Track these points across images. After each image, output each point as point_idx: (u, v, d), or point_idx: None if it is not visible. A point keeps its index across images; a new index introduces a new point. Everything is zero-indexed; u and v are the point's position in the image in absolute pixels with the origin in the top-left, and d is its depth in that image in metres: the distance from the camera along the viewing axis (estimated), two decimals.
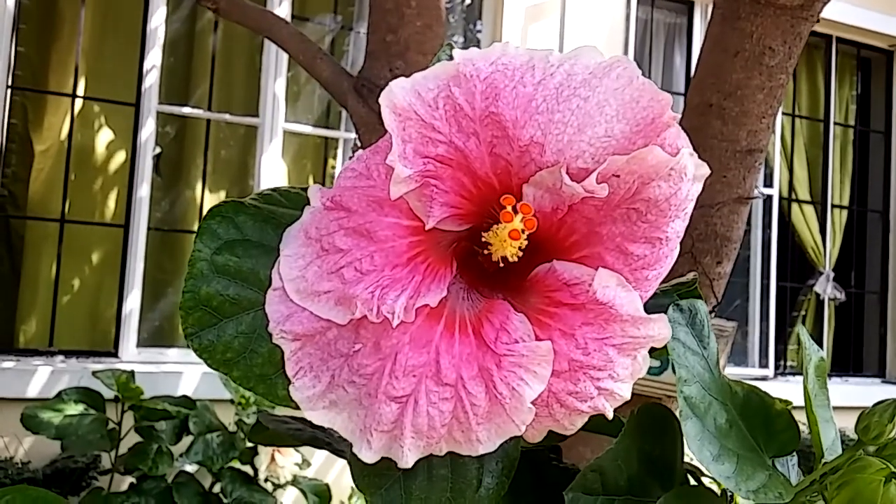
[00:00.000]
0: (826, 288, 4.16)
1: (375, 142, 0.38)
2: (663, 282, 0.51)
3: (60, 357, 2.79)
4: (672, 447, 0.47)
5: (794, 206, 4.14)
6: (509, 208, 0.34)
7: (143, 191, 2.89)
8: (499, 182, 0.36)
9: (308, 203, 0.40)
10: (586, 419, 0.40)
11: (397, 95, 0.36)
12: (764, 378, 3.85)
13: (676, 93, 3.90)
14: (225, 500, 2.33)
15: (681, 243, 1.12)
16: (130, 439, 2.29)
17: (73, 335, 2.94)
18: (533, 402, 0.37)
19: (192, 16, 3.14)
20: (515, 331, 0.37)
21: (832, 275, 4.16)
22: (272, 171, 3.07)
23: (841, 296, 4.20)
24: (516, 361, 0.36)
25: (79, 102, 2.96)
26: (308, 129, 3.23)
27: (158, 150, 3.04)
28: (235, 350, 0.38)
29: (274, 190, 0.43)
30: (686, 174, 0.34)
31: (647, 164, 0.33)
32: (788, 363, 4.14)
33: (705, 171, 0.34)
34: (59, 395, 2.24)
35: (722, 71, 1.10)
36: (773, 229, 3.99)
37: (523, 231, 0.34)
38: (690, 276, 0.50)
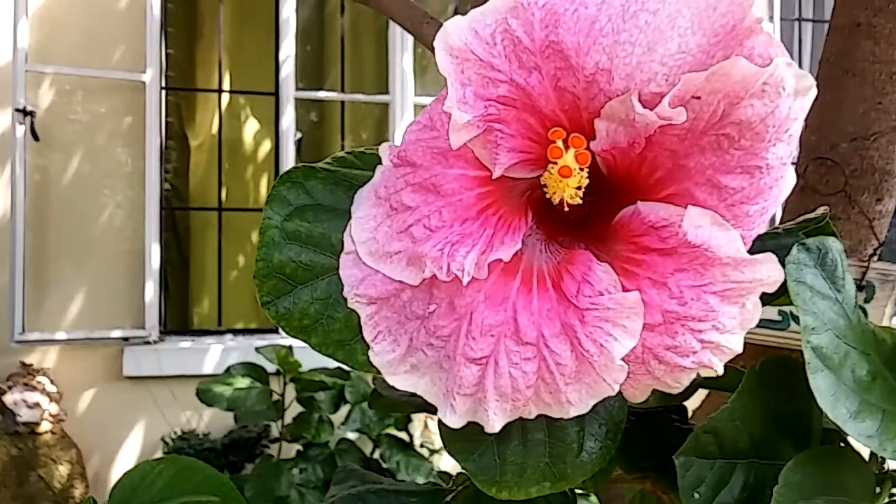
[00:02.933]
0: None
1: None
2: (789, 220, 0.45)
3: (229, 335, 3.00)
4: (808, 402, 0.42)
5: None
6: (559, 142, 0.31)
7: None
8: (568, 119, 0.33)
9: (380, 162, 0.38)
10: (693, 376, 0.36)
11: (452, 35, 0.33)
12: None
13: (806, 19, 3.56)
14: (385, 465, 2.42)
15: (829, 182, 1.01)
16: (294, 409, 2.43)
17: (238, 314, 3.15)
18: (625, 360, 0.34)
19: (319, 2, 3.22)
20: (599, 282, 0.34)
21: None
22: None
23: None
24: (602, 315, 0.33)
25: (225, 97, 3.13)
26: None
27: (299, 135, 3.16)
28: (312, 316, 0.37)
29: (349, 152, 0.42)
30: (784, 88, 0.29)
31: (731, 80, 0.28)
32: None
33: (809, 82, 0.29)
34: (227, 370, 2.41)
35: None
36: None
37: (581, 168, 0.31)
38: (820, 210, 0.44)
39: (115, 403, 2.82)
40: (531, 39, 0.32)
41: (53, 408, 2.67)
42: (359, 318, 0.37)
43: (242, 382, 2.33)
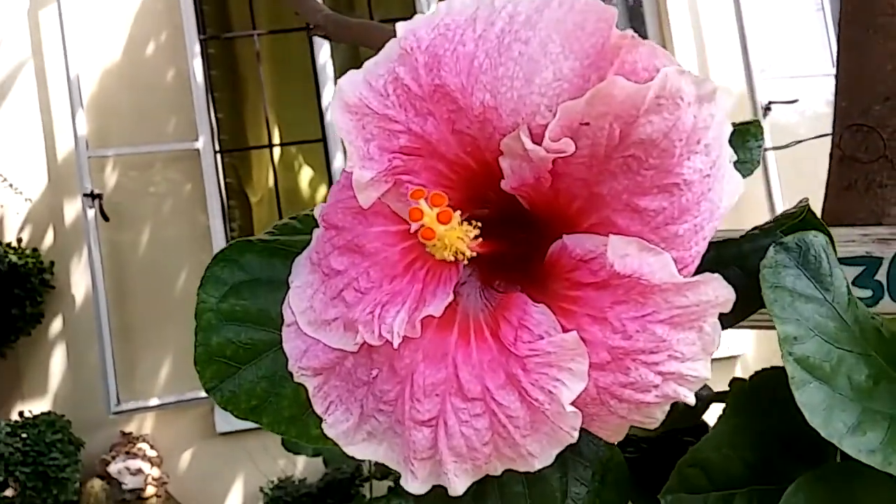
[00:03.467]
0: None
1: None
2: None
3: None
4: None
5: None
6: (420, 202, 0.29)
7: None
8: (474, 160, 0.31)
9: (317, 225, 0.37)
10: (666, 408, 0.33)
11: (347, 92, 0.32)
12: None
13: None
14: None
15: (868, 148, 0.94)
16: None
17: None
18: (581, 402, 0.31)
19: (353, 45, 3.28)
20: (537, 325, 0.31)
21: None
22: None
23: None
24: (544, 361, 0.31)
25: (276, 150, 3.21)
26: None
27: None
28: (259, 396, 0.37)
29: (293, 217, 0.41)
30: (682, 98, 0.26)
31: (616, 101, 0.26)
32: None
33: (710, 87, 0.26)
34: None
35: None
36: None
37: (448, 224, 0.29)
38: (801, 202, 0.40)
39: (212, 460, 2.90)
40: (419, 85, 0.30)
41: (155, 472, 2.77)
42: (307, 391, 0.35)
43: None
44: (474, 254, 0.31)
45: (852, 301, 0.37)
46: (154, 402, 2.86)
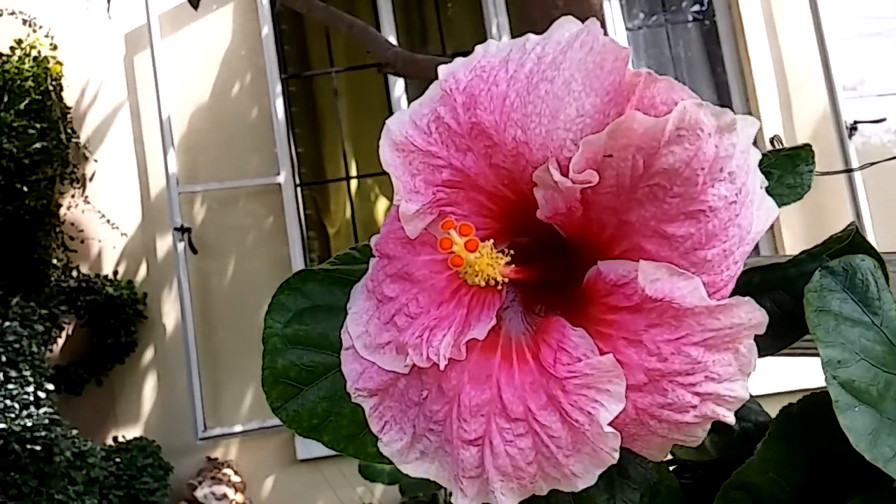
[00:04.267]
0: None
1: None
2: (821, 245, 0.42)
3: None
4: None
5: None
6: (451, 232, 0.30)
7: None
8: (512, 192, 0.33)
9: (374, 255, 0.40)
10: (707, 427, 0.34)
11: (394, 131, 0.35)
12: None
13: None
14: None
15: None
16: None
17: None
18: (621, 423, 0.33)
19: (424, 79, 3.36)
20: (575, 348, 0.33)
21: None
22: None
23: None
24: (582, 382, 0.32)
25: (353, 182, 3.30)
26: None
27: None
28: (320, 415, 0.39)
29: (353, 248, 0.44)
30: (703, 129, 0.27)
31: (637, 134, 0.27)
32: None
33: (730, 118, 0.27)
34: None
35: None
36: None
37: (464, 251, 0.30)
38: (849, 226, 0.41)
39: (293, 486, 2.96)
40: (458, 123, 0.32)
41: (239, 497, 2.85)
42: (363, 411, 0.38)
43: None
44: (506, 279, 0.32)
45: None
46: (238, 428, 2.96)
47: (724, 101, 3.37)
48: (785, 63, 3.31)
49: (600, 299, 0.33)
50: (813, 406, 0.38)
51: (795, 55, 3.30)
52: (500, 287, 0.36)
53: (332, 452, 3.01)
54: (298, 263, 3.00)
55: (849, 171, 2.49)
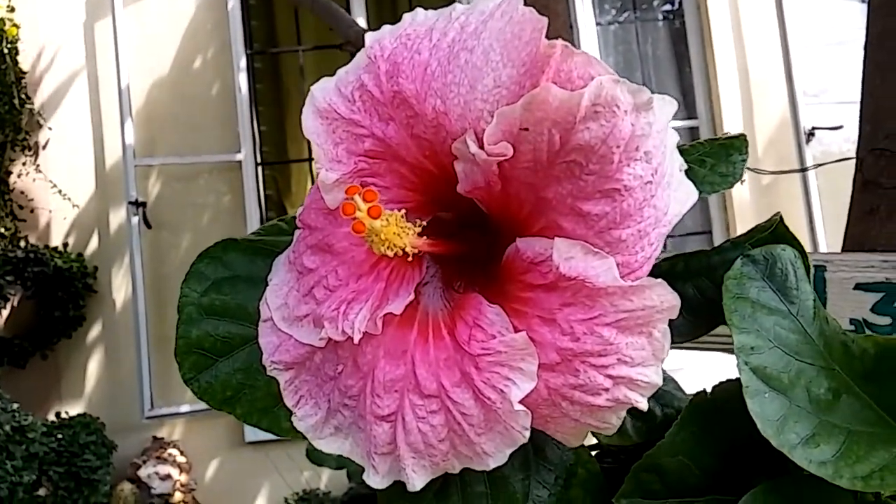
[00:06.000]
0: None
1: None
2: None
3: None
4: None
5: None
6: (355, 197, 0.30)
7: None
8: (433, 164, 0.32)
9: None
10: (621, 414, 0.34)
11: (318, 98, 0.34)
12: None
13: None
14: None
15: (890, 173, 0.93)
16: None
17: None
18: (533, 403, 0.32)
19: None
20: (491, 325, 0.32)
21: None
22: None
23: None
24: (495, 360, 0.32)
25: (316, 164, 3.26)
26: None
27: None
28: (234, 388, 0.38)
29: (281, 219, 0.43)
30: (619, 106, 0.27)
31: (552, 107, 0.27)
32: None
33: (646, 96, 0.27)
34: None
35: None
36: None
37: (379, 221, 0.30)
38: (775, 216, 0.41)
39: (240, 469, 2.94)
40: (381, 92, 0.32)
41: (184, 478, 2.81)
42: (278, 385, 0.37)
43: None
44: (418, 252, 0.32)
45: (819, 315, 0.37)
46: (185, 408, 2.91)
47: (688, 100, 3.40)
48: (749, 67, 3.35)
49: (517, 277, 0.32)
50: (725, 392, 0.38)
51: (760, 60, 3.35)
52: (417, 261, 0.36)
53: (279, 436, 3.00)
54: None
55: (802, 170, 2.54)
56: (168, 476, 2.73)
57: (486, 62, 0.28)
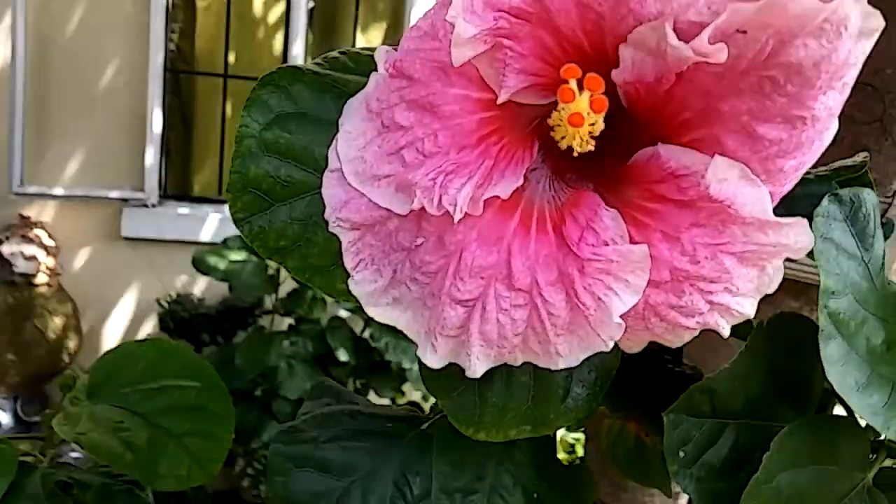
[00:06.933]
0: None
1: None
2: (818, 166, 0.41)
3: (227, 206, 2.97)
4: (812, 366, 0.39)
5: None
6: (571, 83, 0.26)
7: (297, 48, 2.90)
8: (589, 42, 0.28)
9: (376, 68, 0.34)
10: (695, 334, 0.33)
11: None
12: None
13: None
14: (373, 344, 2.45)
15: (869, 108, 0.95)
16: (289, 285, 2.44)
17: None
18: (623, 316, 0.31)
19: None
20: (605, 230, 0.30)
21: None
22: None
23: None
24: (603, 268, 0.30)
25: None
26: None
27: (312, 3, 3.01)
28: (289, 238, 0.34)
29: (343, 52, 0.37)
30: (847, 28, 0.24)
31: (786, 15, 0.23)
32: None
33: (878, 23, 0.24)
34: (224, 241, 2.41)
35: None
36: None
37: (590, 113, 0.27)
38: (860, 157, 0.40)
39: (112, 263, 2.84)
40: None
41: (50, 261, 2.68)
42: (340, 243, 0.33)
43: (238, 255, 2.34)
44: (592, 148, 0.29)
45: (884, 266, 0.38)
46: (59, 191, 2.73)
47: None
48: None
49: (647, 185, 0.30)
50: (777, 325, 0.38)
51: None
52: (530, 141, 0.32)
53: (161, 236, 2.89)
54: (158, 30, 2.71)
55: None
56: (34, 257, 2.60)
57: None
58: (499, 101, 0.30)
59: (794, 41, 0.24)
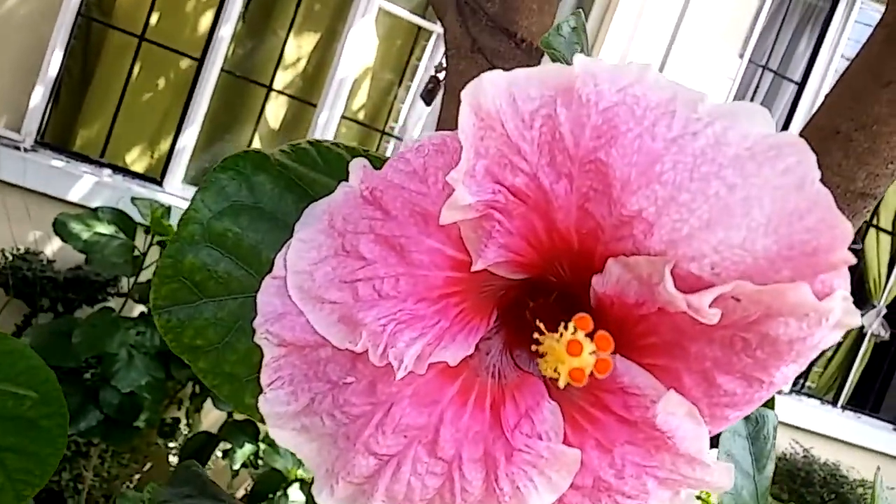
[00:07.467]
0: (873, 323, 3.97)
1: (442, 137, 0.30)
2: None
3: (108, 171, 2.80)
4: None
5: (872, 232, 3.91)
6: (580, 336, 0.26)
7: (226, 30, 2.81)
8: (580, 243, 0.28)
9: (347, 177, 0.32)
10: None
11: (486, 93, 0.27)
12: (779, 392, 3.73)
13: (788, 79, 3.64)
14: None
15: None
16: (151, 271, 2.31)
17: (125, 153, 2.94)
18: None
19: None
20: (542, 423, 0.29)
21: (884, 311, 3.96)
22: (361, 43, 2.96)
23: (885, 334, 4.01)
24: (532, 461, 0.29)
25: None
26: (403, 14, 3.08)
27: None
28: (208, 338, 0.31)
29: (313, 144, 0.35)
30: (828, 319, 0.25)
31: (783, 301, 0.24)
32: (807, 384, 4.02)
33: (854, 321, 0.25)
34: (94, 210, 2.25)
35: (864, 98, 0.96)
36: None
37: (594, 373, 0.26)
38: None
39: None
40: (575, 144, 0.26)
41: None
42: (262, 355, 0.31)
43: (106, 228, 2.19)
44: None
45: (768, 489, 0.39)
46: None
47: None
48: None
49: (596, 391, 0.29)
50: None
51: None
52: (488, 311, 0.31)
53: (25, 184, 2.66)
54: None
55: None
56: None
57: (745, 214, 0.23)
58: (473, 269, 0.28)
59: (779, 318, 0.25)
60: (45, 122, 2.68)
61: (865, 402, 4.12)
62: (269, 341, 0.31)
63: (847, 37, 3.59)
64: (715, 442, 0.38)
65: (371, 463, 0.30)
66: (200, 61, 2.83)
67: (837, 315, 0.25)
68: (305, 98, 3.09)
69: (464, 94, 0.27)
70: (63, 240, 2.09)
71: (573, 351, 0.26)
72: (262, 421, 0.31)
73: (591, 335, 0.27)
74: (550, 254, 0.29)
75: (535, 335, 0.28)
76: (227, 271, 0.31)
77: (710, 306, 0.24)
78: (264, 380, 0.31)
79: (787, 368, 0.27)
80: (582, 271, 0.28)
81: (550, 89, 0.27)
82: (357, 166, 0.32)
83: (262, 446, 2.41)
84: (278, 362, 0.31)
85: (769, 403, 0.40)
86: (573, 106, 0.26)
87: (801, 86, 3.65)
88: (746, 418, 0.38)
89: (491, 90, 0.27)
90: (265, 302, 0.31)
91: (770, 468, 0.39)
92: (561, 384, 0.27)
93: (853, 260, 0.23)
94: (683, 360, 0.27)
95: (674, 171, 0.25)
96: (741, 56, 3.44)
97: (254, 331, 0.31)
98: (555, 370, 0.27)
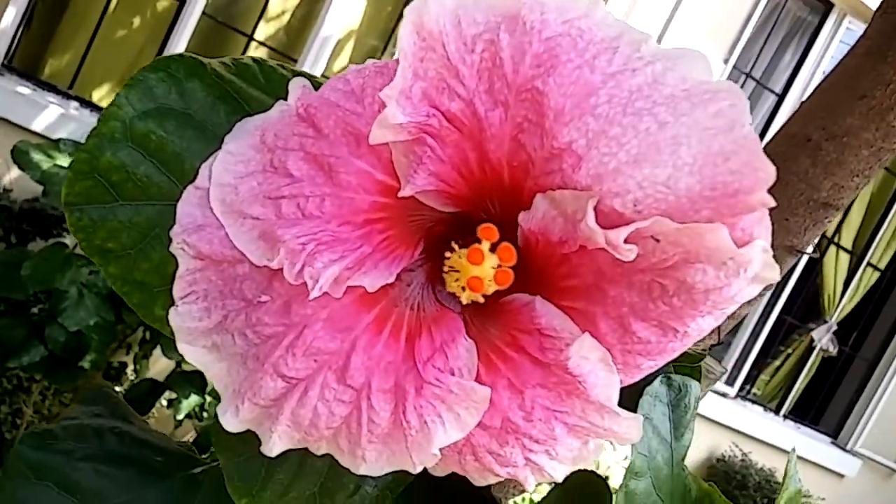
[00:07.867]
0: (823, 338, 4.06)
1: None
2: None
3: (76, 104, 2.73)
4: None
5: (832, 249, 3.99)
6: (484, 245, 0.25)
7: None
8: (510, 176, 0.27)
9: (286, 96, 0.31)
10: (501, 480, 0.32)
11: (431, 12, 0.26)
12: (724, 395, 3.82)
13: (770, 89, 3.68)
14: None
15: None
16: None
17: (96, 87, 2.87)
18: (441, 448, 0.30)
19: None
20: (456, 359, 0.29)
21: (834, 328, 4.05)
22: (348, 3, 2.92)
23: (833, 350, 4.11)
24: (441, 395, 0.29)
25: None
26: None
27: None
28: (121, 243, 0.30)
29: (255, 60, 0.34)
30: (746, 270, 0.24)
31: (701, 243, 0.23)
32: (753, 390, 4.10)
33: (773, 275, 0.25)
34: (57, 141, 2.20)
35: (837, 109, 0.96)
36: (802, 260, 3.84)
37: (491, 282, 0.26)
38: (707, 345, 0.42)
39: None
40: (514, 71, 0.25)
41: None
42: (177, 265, 0.30)
43: (67, 161, 2.13)
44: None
45: (684, 458, 0.39)
46: None
47: None
48: None
49: (512, 330, 0.29)
50: (576, 488, 0.39)
51: None
52: (413, 241, 0.30)
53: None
54: None
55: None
56: None
57: (673, 152, 0.23)
58: (401, 195, 0.28)
59: (696, 264, 0.24)
60: (13, 47, 2.60)
61: (807, 413, 4.21)
62: (186, 252, 0.30)
63: (831, 55, 3.62)
64: (635, 408, 0.38)
65: (279, 385, 0.29)
66: (182, 1, 2.77)
67: (756, 267, 0.24)
68: (287, 52, 3.03)
69: (407, 11, 0.26)
70: (21, 168, 2.04)
71: (474, 259, 0.26)
72: (172, 334, 0.30)
73: (494, 247, 0.26)
74: (481, 187, 0.28)
75: (447, 253, 0.28)
76: (147, 175, 0.30)
77: (629, 244, 0.24)
78: (177, 292, 0.30)
79: (703, 320, 0.26)
80: (511, 209, 0.28)
81: (497, 15, 0.26)
82: (297, 85, 0.31)
83: (209, 399, 2.39)
84: (193, 275, 0.30)
85: (695, 375, 0.40)
86: (517, 33, 0.25)
87: (782, 97, 3.69)
88: (669, 385, 0.38)
89: (435, 9, 0.26)
90: (185, 212, 0.30)
91: (688, 437, 0.39)
92: (464, 300, 0.26)
93: (772, 202, 0.23)
94: (601, 304, 0.27)
95: (608, 104, 0.24)
96: (726, 62, 3.46)
97: (170, 240, 0.30)
98: (460, 286, 0.27)
